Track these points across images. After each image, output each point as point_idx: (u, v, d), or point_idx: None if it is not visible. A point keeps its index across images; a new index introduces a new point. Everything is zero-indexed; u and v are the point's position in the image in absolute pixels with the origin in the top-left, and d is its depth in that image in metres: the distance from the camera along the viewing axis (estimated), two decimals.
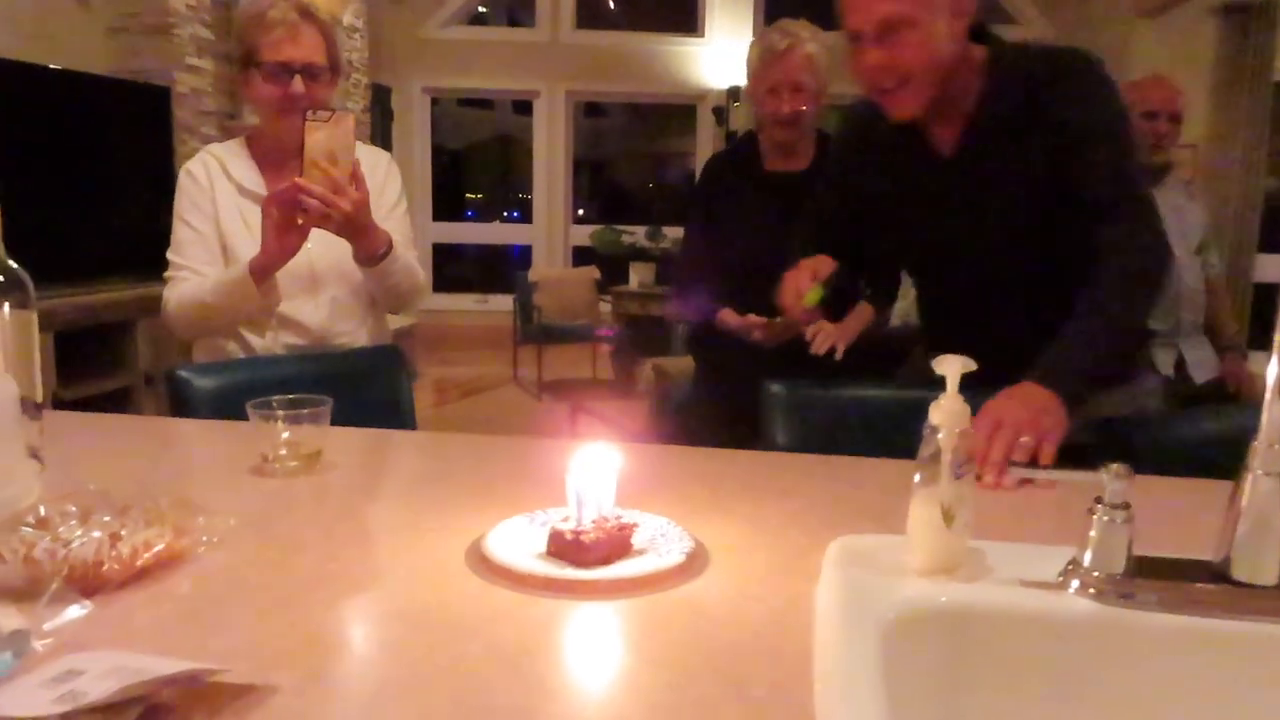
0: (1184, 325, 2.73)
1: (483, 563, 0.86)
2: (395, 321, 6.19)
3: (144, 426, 1.51)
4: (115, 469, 1.19)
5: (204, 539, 0.85)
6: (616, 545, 0.87)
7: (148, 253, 1.79)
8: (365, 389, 1.72)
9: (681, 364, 3.41)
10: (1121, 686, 0.78)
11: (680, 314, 2.40)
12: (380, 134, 7.06)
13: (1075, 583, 0.81)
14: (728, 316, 2.09)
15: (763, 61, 2.10)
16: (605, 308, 6.44)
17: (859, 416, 1.56)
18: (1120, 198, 1.37)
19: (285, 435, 1.13)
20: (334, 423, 1.20)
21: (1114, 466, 0.80)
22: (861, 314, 2.12)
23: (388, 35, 7.10)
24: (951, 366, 0.83)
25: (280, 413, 1.14)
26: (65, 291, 3.49)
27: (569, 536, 0.85)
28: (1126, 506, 0.80)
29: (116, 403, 3.74)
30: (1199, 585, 0.79)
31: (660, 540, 0.91)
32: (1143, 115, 2.70)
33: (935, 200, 1.52)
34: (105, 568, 0.76)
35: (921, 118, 1.43)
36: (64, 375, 3.45)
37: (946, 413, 0.83)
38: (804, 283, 1.49)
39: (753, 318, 2.02)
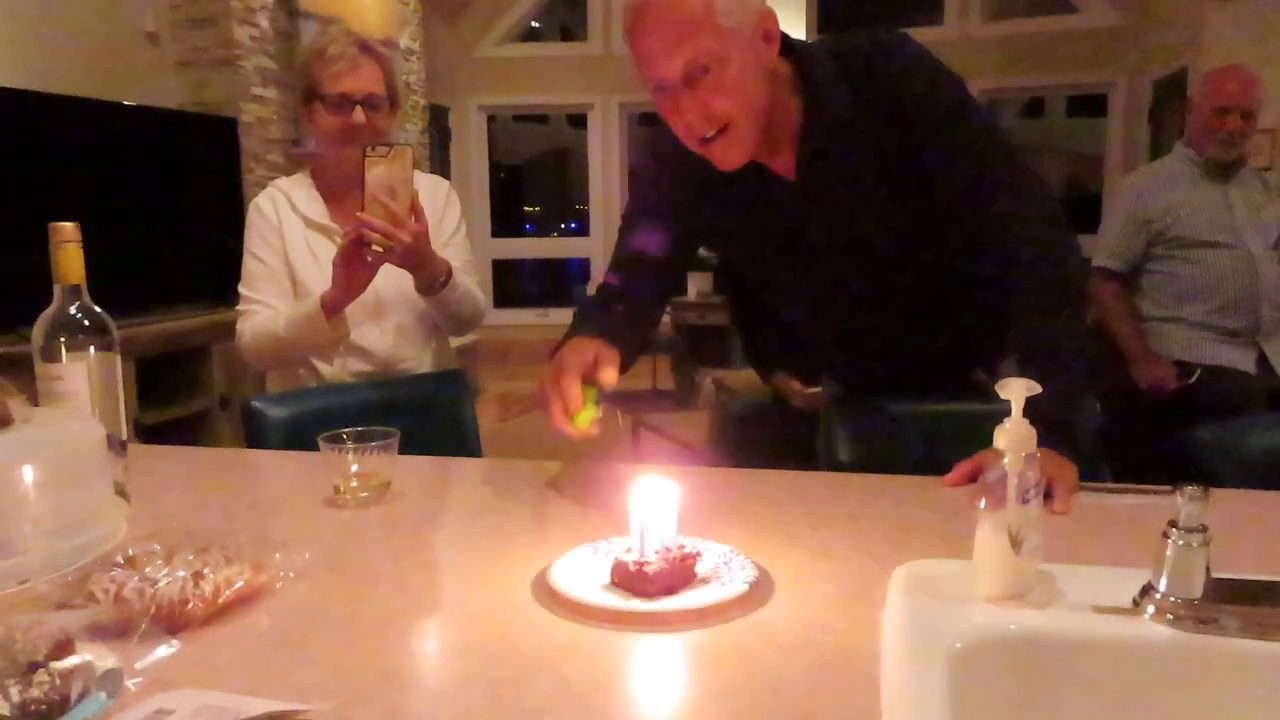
0: (1264, 323, 2.63)
1: (548, 595, 0.87)
2: (459, 338, 6.26)
3: (221, 459, 1.56)
4: (195, 501, 1.23)
5: (281, 574, 0.88)
6: (680, 575, 0.87)
7: (221, 278, 1.86)
8: (431, 414, 1.75)
9: (742, 377, 3.39)
10: (1201, 714, 0.76)
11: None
12: (438, 153, 7.18)
13: (1151, 608, 0.79)
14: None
15: None
16: (664, 318, 6.45)
17: (923, 432, 1.54)
18: (994, 183, 1.27)
19: (355, 468, 1.16)
20: (402, 448, 1.22)
21: (1189, 488, 0.78)
22: None
23: (443, 56, 7.22)
24: (1016, 390, 0.82)
25: (350, 445, 1.17)
26: (143, 319, 3.61)
27: (632, 568, 0.86)
28: (1203, 529, 0.78)
29: (194, 426, 3.86)
30: None
31: (723, 569, 0.91)
32: (1214, 111, 2.62)
33: (789, 225, 1.37)
34: (190, 606, 0.79)
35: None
36: (144, 401, 3.58)
37: (1012, 436, 0.82)
38: (573, 396, 1.13)
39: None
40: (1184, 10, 5.68)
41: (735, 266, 1.62)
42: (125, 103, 3.82)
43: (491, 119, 8.05)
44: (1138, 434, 2.26)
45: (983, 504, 0.83)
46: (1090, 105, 7.35)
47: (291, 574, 0.89)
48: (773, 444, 2.23)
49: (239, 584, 0.83)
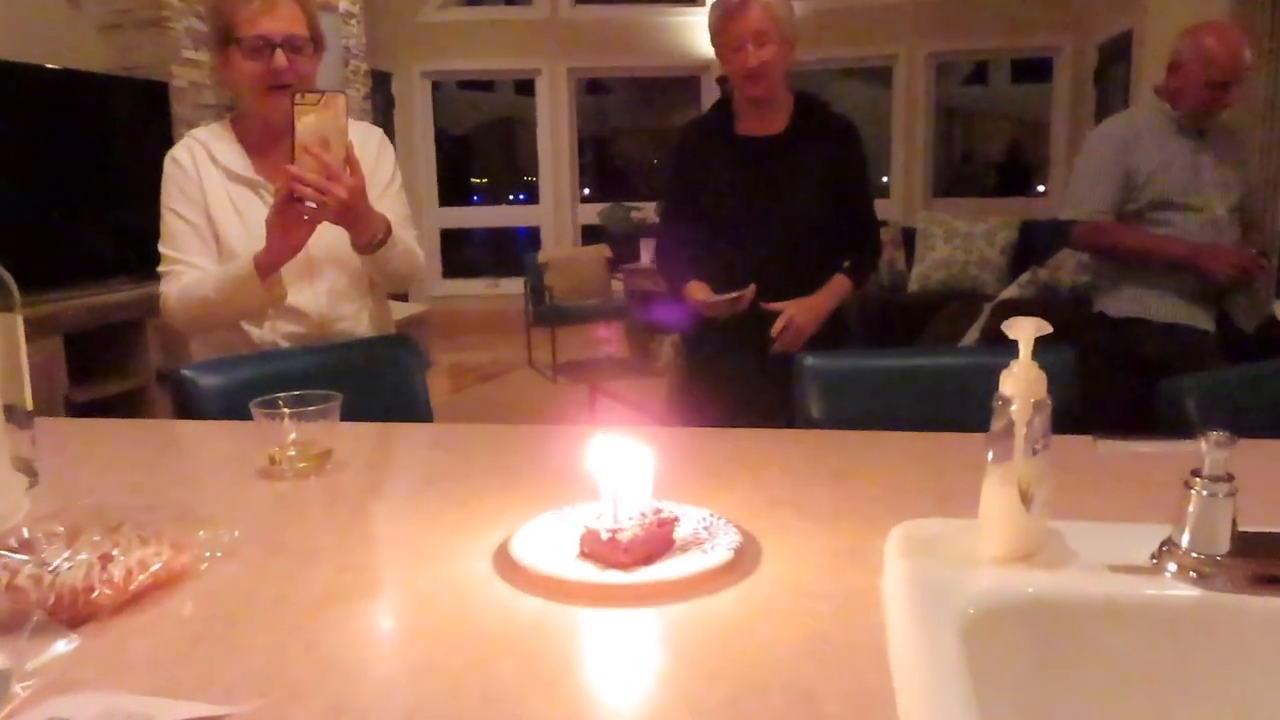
0: (1225, 284, 2.60)
1: (511, 568, 0.78)
2: (407, 309, 6.09)
3: (146, 431, 1.43)
4: (115, 478, 1.11)
5: (207, 554, 0.78)
6: (657, 543, 0.79)
7: (153, 250, 1.73)
8: (378, 381, 1.64)
9: None
10: (1230, 678, 0.70)
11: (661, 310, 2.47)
12: (382, 120, 6.96)
13: (1172, 565, 0.73)
14: (693, 290, 2.05)
15: (722, 19, 2.02)
16: (617, 285, 6.35)
17: (899, 388, 1.47)
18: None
19: (293, 436, 1.05)
20: (347, 418, 1.12)
21: (1214, 434, 0.71)
22: (835, 289, 2.07)
23: (385, 20, 6.98)
24: (1024, 329, 0.74)
25: (286, 411, 1.06)
26: (72, 293, 3.43)
27: (605, 536, 0.77)
28: (1229, 479, 0.71)
29: (130, 403, 3.69)
30: None
31: (704, 534, 0.83)
32: (1209, 85, 2.53)
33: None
34: (95, 594, 0.68)
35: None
36: (76, 378, 3.40)
37: (1020, 381, 0.74)
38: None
39: (702, 295, 1.99)
40: None
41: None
42: (49, 66, 3.59)
43: (436, 87, 7.82)
44: (1115, 392, 2.23)
45: (990, 456, 0.76)
46: (1034, 71, 7.38)
47: (218, 553, 0.79)
48: (735, 404, 2.18)
49: (155, 566, 0.72)
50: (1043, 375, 0.75)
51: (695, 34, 7.36)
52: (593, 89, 8.54)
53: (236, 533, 0.81)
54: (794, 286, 2.02)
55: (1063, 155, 6.77)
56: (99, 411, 3.44)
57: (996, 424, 0.76)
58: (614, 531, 0.77)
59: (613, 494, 0.79)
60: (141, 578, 0.71)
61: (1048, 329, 0.74)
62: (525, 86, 7.96)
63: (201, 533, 0.78)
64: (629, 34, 7.52)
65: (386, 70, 7.19)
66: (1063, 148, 6.80)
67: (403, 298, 5.59)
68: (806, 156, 2.06)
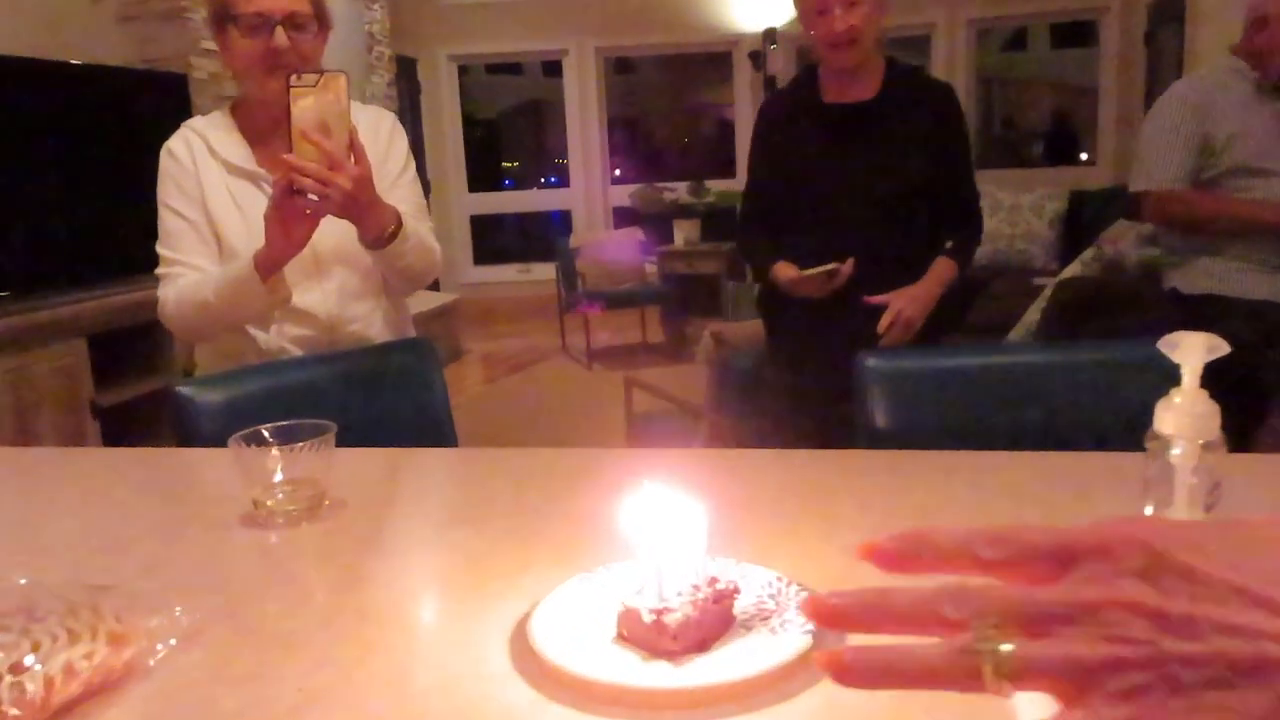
0: None
1: (532, 660, 0.62)
2: (438, 298, 5.94)
3: (126, 464, 1.25)
4: (81, 529, 0.96)
5: (159, 645, 0.63)
6: (713, 623, 0.63)
7: None
8: (391, 390, 1.50)
9: (742, 329, 3.14)
10: None
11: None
12: (408, 106, 6.83)
13: None
14: (780, 270, 1.87)
15: None
16: (651, 268, 6.18)
17: (980, 391, 1.30)
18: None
19: (278, 477, 0.90)
20: (357, 435, 0.97)
21: None
22: (941, 274, 1.89)
23: (409, 4, 6.84)
24: (1192, 352, 0.57)
25: (273, 444, 0.91)
26: (95, 293, 3.33)
27: (648, 618, 0.61)
28: None
29: (156, 406, 3.59)
30: None
31: (770, 605, 0.67)
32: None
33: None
34: (3, 715, 0.54)
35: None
36: (100, 380, 3.31)
37: (1184, 417, 0.57)
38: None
39: (791, 273, 1.82)
40: None
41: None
42: (72, 61, 3.49)
43: (463, 71, 7.67)
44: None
45: (1148, 510, 0.59)
46: (1075, 36, 7.08)
47: (173, 641, 0.64)
48: (784, 402, 2.01)
49: (85, 671, 0.58)
50: (1215, 409, 0.57)
51: (725, 7, 7.13)
52: (621, 68, 8.35)
53: (198, 615, 0.67)
54: (890, 265, 1.85)
55: (1111, 123, 6.47)
56: (125, 415, 3.36)
57: (1150, 467, 0.59)
58: (659, 612, 0.61)
59: (658, 565, 0.63)
60: (71, 687, 0.57)
61: (1223, 349, 0.57)
62: (553, 69, 7.79)
63: (154, 620, 0.64)
64: (656, 9, 7.30)
65: (411, 55, 7.05)
66: (1112, 115, 6.49)
67: (435, 286, 5.47)
68: (901, 123, 1.88)
